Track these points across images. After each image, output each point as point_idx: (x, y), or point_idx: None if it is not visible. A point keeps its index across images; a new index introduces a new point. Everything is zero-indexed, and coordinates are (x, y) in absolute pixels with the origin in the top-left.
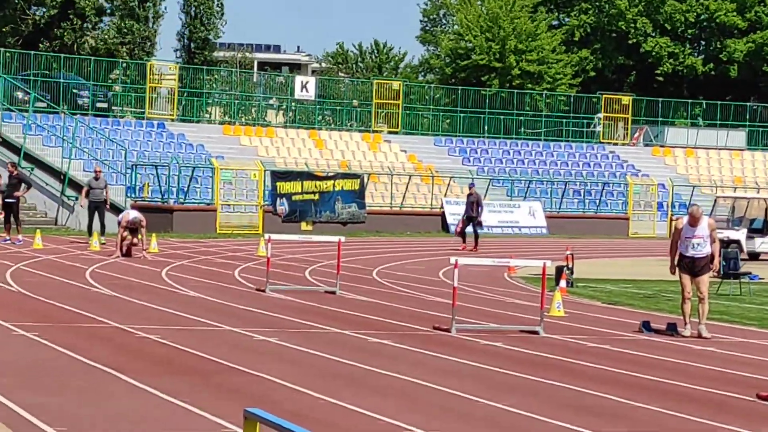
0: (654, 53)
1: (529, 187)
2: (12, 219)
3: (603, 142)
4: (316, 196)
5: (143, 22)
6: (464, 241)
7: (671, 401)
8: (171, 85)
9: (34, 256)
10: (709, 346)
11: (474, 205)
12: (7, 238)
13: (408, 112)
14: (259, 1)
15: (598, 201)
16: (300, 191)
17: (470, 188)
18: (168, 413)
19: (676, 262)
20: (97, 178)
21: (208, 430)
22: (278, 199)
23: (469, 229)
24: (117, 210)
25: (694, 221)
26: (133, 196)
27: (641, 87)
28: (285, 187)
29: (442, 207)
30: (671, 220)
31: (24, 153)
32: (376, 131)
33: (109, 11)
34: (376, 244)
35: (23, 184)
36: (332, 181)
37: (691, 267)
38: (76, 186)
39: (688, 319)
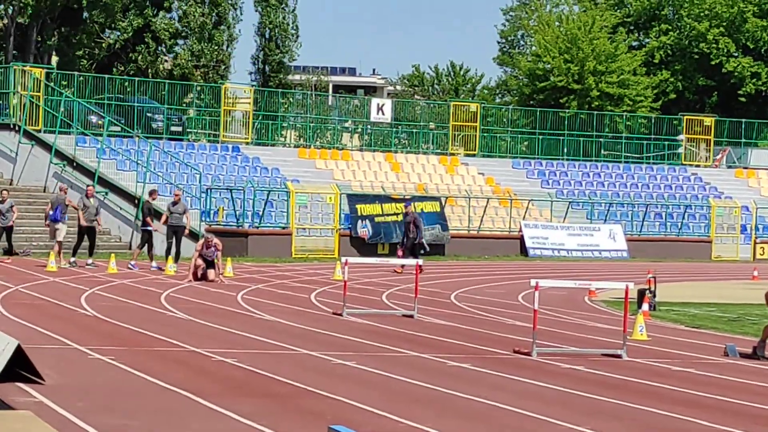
0: (736, 73)
1: (609, 210)
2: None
3: (685, 164)
4: (400, 217)
5: (217, 45)
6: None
7: (759, 425)
8: (245, 108)
9: (109, 281)
10: None
11: (411, 226)
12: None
13: (485, 134)
14: (335, 24)
15: (680, 224)
16: (381, 213)
17: (405, 208)
18: None
19: None
20: (175, 203)
21: None
22: (360, 221)
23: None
24: (194, 236)
25: None
26: (207, 220)
27: (723, 108)
28: (366, 209)
29: (520, 230)
30: (755, 243)
31: (98, 177)
32: (453, 154)
33: (183, 34)
34: (454, 267)
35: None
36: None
37: None
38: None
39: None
